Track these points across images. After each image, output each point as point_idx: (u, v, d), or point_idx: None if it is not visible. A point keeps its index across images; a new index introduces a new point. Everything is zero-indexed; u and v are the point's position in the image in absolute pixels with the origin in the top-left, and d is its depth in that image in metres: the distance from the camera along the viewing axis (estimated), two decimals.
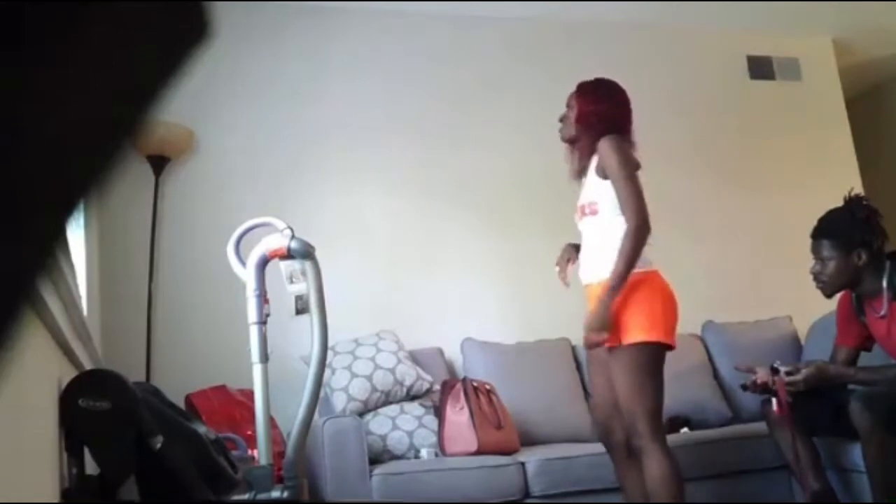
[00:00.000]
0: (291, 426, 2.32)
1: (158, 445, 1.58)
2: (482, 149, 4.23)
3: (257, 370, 2.31)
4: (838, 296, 2.94)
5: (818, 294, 2.90)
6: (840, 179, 4.09)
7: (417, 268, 4.06)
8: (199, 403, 3.11)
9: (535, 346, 3.81)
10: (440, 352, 3.81)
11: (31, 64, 0.28)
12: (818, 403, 2.84)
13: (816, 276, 2.85)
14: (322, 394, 2.59)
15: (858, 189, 3.08)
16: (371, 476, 2.93)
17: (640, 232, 2.45)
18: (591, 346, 2.53)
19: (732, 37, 4.91)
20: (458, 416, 3.20)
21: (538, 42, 4.54)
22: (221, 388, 3.25)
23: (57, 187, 0.31)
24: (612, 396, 2.58)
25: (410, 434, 3.22)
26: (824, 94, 5.06)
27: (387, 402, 3.34)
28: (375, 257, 4.02)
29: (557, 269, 2.81)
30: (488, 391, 3.35)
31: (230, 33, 3.86)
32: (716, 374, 3.95)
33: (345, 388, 3.30)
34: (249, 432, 2.77)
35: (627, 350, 2.49)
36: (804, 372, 2.80)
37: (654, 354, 2.51)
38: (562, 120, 2.76)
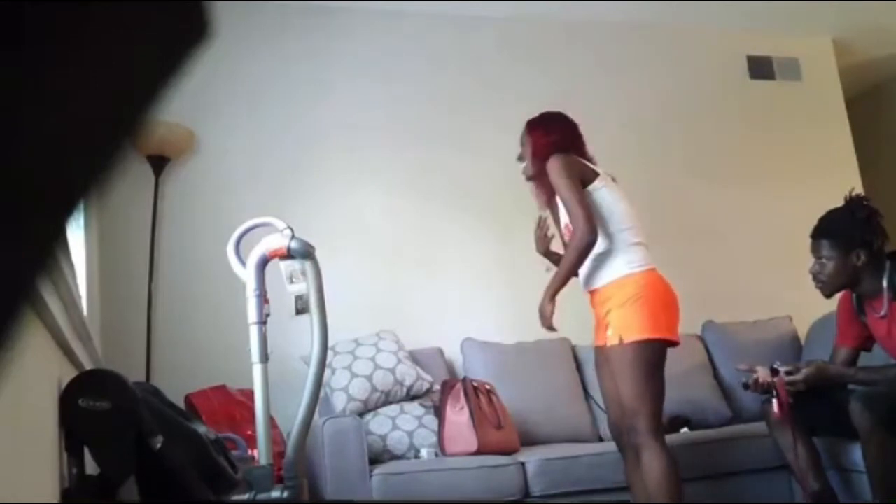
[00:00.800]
0: (291, 426, 2.32)
1: (158, 445, 1.58)
2: (483, 149, 4.23)
3: (257, 370, 2.31)
4: (838, 296, 2.94)
5: (818, 294, 2.90)
6: (840, 179, 4.09)
7: (417, 268, 4.06)
8: (199, 403, 3.11)
9: (534, 346, 3.81)
10: (440, 352, 3.81)
11: (31, 64, 0.28)
12: (818, 403, 2.84)
13: (815, 276, 2.84)
14: (322, 394, 2.59)
15: (858, 189, 3.07)
16: (371, 476, 2.93)
17: (584, 242, 2.55)
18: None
19: (732, 37, 4.90)
20: (458, 416, 3.20)
21: (538, 42, 4.54)
22: (221, 388, 3.25)
23: (57, 187, 0.31)
24: (620, 397, 2.61)
25: (410, 434, 3.22)
26: (824, 94, 5.06)
27: (387, 402, 3.34)
28: (375, 257, 4.02)
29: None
30: (488, 391, 3.35)
31: (230, 33, 3.86)
32: (716, 374, 3.95)
33: (345, 388, 3.30)
34: (249, 432, 2.77)
35: (629, 348, 2.53)
36: (804, 372, 2.80)
37: (655, 352, 2.54)
38: (520, 159, 2.91)
